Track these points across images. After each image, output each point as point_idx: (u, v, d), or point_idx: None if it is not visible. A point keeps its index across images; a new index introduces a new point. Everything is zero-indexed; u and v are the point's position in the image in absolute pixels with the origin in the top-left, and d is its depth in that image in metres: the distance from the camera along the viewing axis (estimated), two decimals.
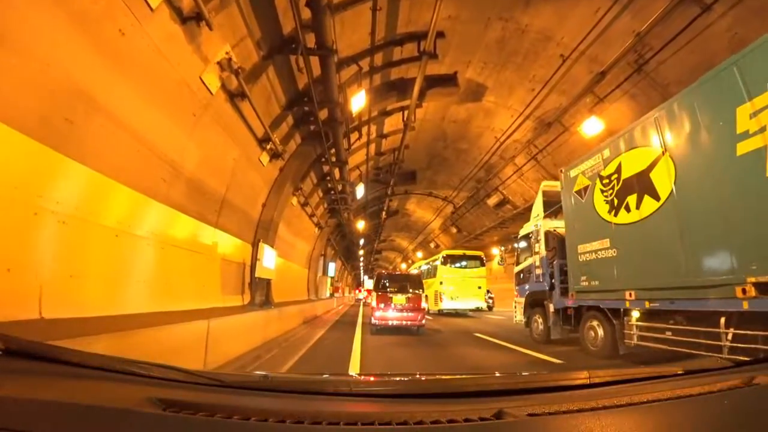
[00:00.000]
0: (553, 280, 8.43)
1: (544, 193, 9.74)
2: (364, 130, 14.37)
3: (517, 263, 10.69)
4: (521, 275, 10.32)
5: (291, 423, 0.88)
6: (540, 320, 8.92)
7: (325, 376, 1.90)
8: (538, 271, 9.11)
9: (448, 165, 21.77)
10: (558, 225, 8.86)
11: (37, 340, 1.17)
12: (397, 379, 1.88)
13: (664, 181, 5.52)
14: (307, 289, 20.33)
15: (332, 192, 16.97)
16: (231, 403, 0.98)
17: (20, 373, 1.01)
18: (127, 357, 1.21)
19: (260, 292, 9.71)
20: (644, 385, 1.31)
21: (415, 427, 0.89)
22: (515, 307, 10.44)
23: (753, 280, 4.14)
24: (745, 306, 4.22)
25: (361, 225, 26.88)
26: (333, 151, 13.24)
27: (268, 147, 9.84)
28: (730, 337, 4.47)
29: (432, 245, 35.74)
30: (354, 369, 5.58)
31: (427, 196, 27.03)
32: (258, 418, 0.88)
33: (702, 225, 4.94)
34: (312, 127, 11.79)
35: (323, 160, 13.40)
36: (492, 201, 21.28)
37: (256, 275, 8.51)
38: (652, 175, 5.73)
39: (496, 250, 25.03)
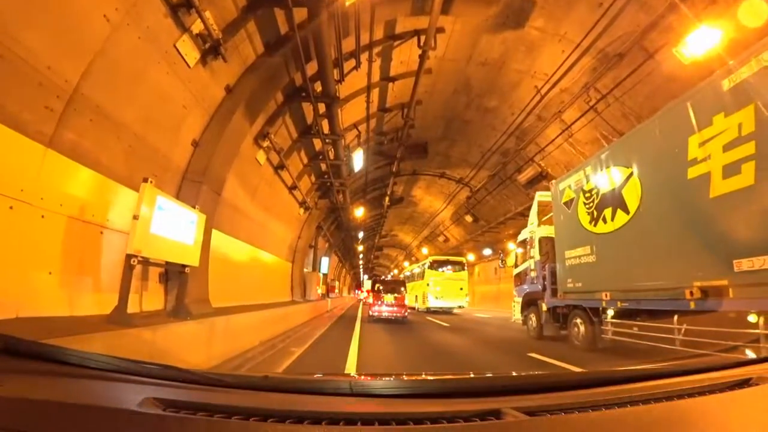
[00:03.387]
0: (545, 282, 8.98)
1: (539, 203, 10.36)
2: (364, 58, 10.03)
3: (516, 266, 11.39)
4: (519, 277, 11.01)
5: (291, 423, 0.87)
6: (534, 318, 9.59)
7: (325, 376, 1.72)
8: (533, 274, 9.84)
9: (469, 132, 17.44)
10: (551, 232, 9.23)
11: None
12: (398, 379, 1.82)
13: (633, 197, 6.18)
14: (291, 288, 15.90)
15: (321, 157, 12.60)
16: (231, 403, 0.95)
17: (20, 373, 1.02)
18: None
19: (176, 289, 5.35)
20: (643, 384, 1.29)
21: (415, 427, 0.89)
22: (514, 306, 11.16)
23: (698, 284, 4.82)
24: (692, 306, 4.93)
25: (360, 213, 22.51)
26: (320, 88, 8.95)
27: (194, 29, 5.48)
28: (682, 331, 5.19)
29: (441, 239, 31.39)
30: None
31: (438, 178, 22.67)
32: (258, 418, 0.86)
33: (661, 236, 5.65)
34: (281, 27, 7.46)
35: (303, 95, 9.06)
36: (524, 176, 16.92)
37: (133, 251, 4.03)
38: (624, 191, 6.39)
39: (512, 245, 21.47)
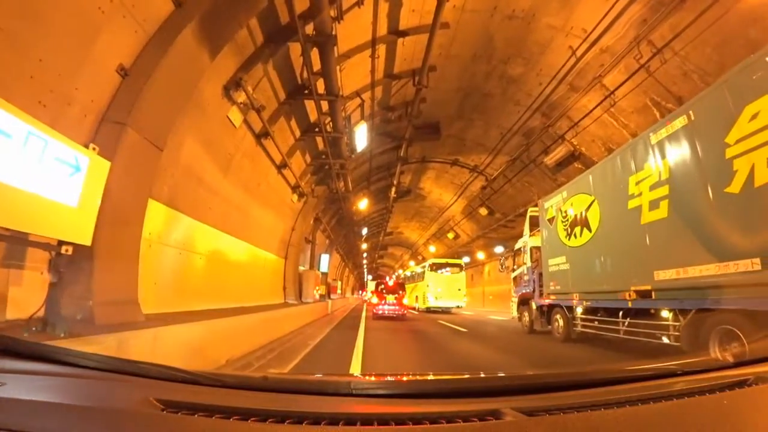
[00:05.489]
0: (535, 285, 10.57)
1: (531, 218, 11.81)
2: None
3: (512, 270, 13.01)
4: (516, 280, 12.65)
5: (290, 423, 0.86)
6: (527, 315, 11.14)
7: (324, 376, 1.74)
8: (526, 277, 11.49)
9: (488, 109, 15.30)
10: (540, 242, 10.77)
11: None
12: (397, 379, 1.83)
13: (594, 219, 7.64)
14: (283, 288, 13.71)
15: (317, 129, 10.48)
16: (230, 403, 0.93)
17: (20, 373, 1.02)
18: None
19: (62, 284, 3.23)
20: (643, 384, 1.31)
21: (414, 428, 0.88)
22: (512, 305, 12.85)
23: (634, 288, 6.23)
24: (630, 304, 6.35)
25: (363, 205, 20.37)
26: (312, 31, 6.85)
27: None
28: (626, 324, 6.61)
29: (450, 236, 29.20)
30: None
31: (450, 166, 20.49)
32: (257, 418, 0.86)
33: (612, 251, 7.09)
34: None
35: (291, 32, 6.95)
36: (551, 158, 14.69)
37: None
38: (588, 214, 7.87)
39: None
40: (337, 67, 8.66)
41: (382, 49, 9.94)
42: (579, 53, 11.20)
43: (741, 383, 1.21)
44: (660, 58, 10.01)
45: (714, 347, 4.84)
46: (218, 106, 6.65)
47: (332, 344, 7.46)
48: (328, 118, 10.25)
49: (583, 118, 12.72)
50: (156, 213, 5.56)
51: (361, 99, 11.22)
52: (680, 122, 5.42)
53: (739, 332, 4.58)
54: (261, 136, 8.46)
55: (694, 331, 5.19)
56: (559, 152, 14.29)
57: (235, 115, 7.17)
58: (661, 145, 5.82)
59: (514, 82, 13.47)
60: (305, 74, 7.43)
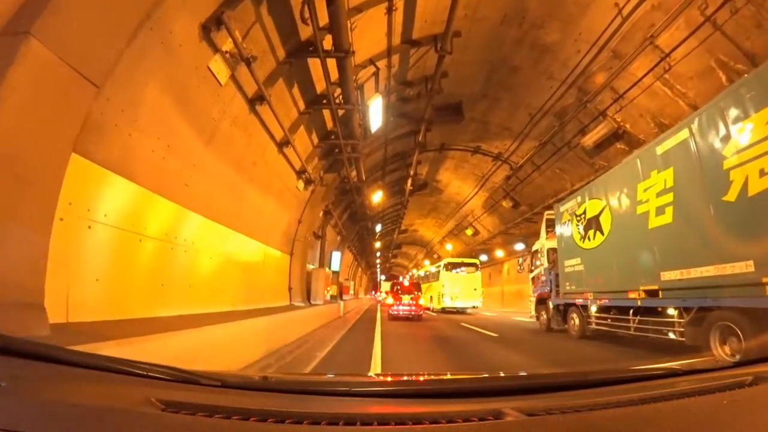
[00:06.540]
0: (551, 285, 11.08)
1: (547, 220, 12.54)
2: None
3: (530, 271, 13.70)
4: (533, 280, 13.25)
5: (290, 423, 0.84)
6: (544, 314, 11.69)
7: (324, 376, 1.89)
8: (543, 278, 12.03)
9: (516, 85, 13.65)
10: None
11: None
12: (397, 379, 1.84)
13: (607, 223, 8.21)
14: (289, 289, 12.18)
15: (325, 101, 8.98)
16: (230, 403, 0.92)
17: (20, 373, 0.99)
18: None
19: None
20: (643, 384, 1.30)
21: (413, 427, 0.87)
22: (530, 304, 13.37)
23: (643, 287, 6.76)
24: (639, 303, 6.90)
25: (377, 198, 18.84)
26: None
27: None
28: (636, 322, 7.09)
29: (469, 232, 27.49)
30: None
31: (471, 154, 18.84)
32: (257, 418, 0.84)
33: (622, 253, 7.61)
34: None
35: None
36: (589, 139, 12.97)
37: None
38: (601, 218, 8.43)
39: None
40: (348, 22, 7.19)
41: (399, 2, 8.40)
42: (626, 12, 9.60)
43: (741, 383, 1.18)
44: (730, 7, 8.32)
45: (714, 342, 5.31)
46: (195, 50, 5.17)
47: (343, 357, 5.96)
48: (338, 90, 8.77)
49: (630, 88, 11.02)
50: (100, 182, 4.12)
51: (376, 67, 9.69)
52: (683, 134, 5.95)
53: (736, 328, 5.01)
54: (255, 100, 6.94)
55: (697, 327, 5.67)
56: (599, 131, 12.54)
57: (220, 67, 5.67)
58: (666, 155, 6.38)
59: (548, 51, 11.82)
60: (307, 13, 5.91)
